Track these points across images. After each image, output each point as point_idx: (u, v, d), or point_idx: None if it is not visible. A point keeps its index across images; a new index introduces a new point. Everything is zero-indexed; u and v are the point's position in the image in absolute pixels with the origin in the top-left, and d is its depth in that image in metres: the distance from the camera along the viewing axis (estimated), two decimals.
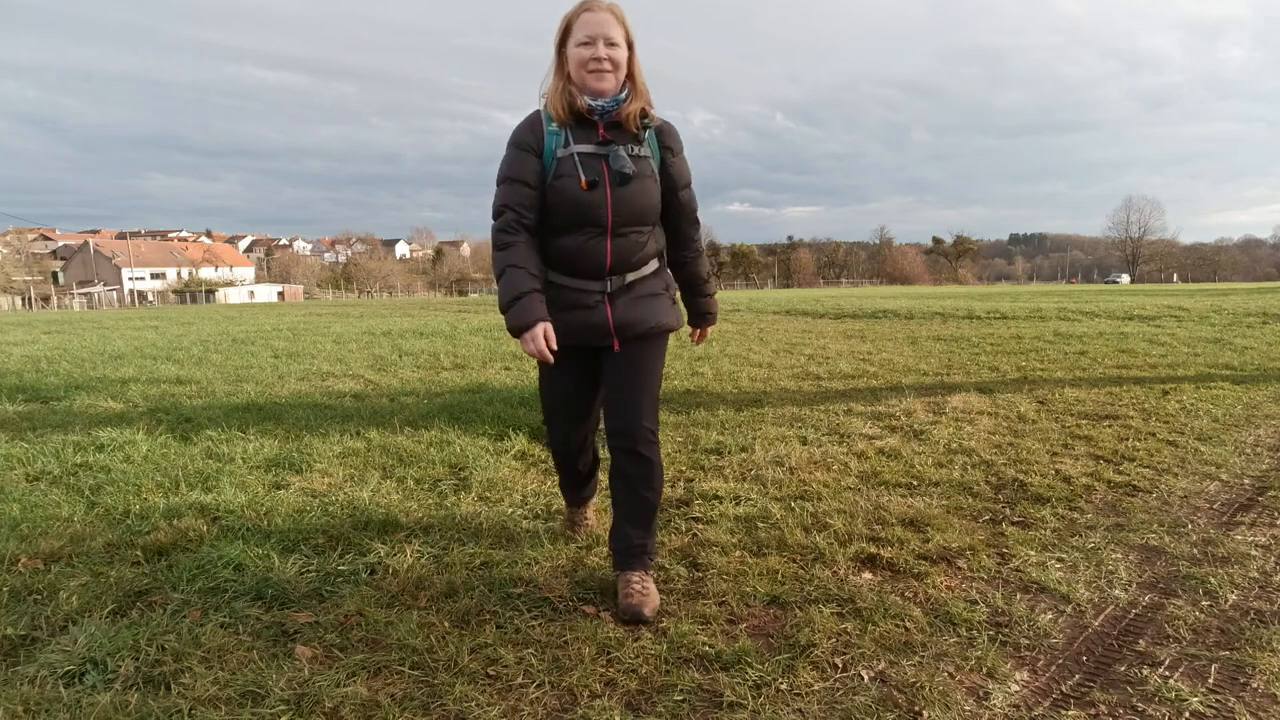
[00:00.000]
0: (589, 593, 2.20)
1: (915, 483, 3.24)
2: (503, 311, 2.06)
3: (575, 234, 2.09)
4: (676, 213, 2.23)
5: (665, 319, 2.21)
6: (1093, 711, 1.64)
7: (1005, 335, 9.44)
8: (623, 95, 2.07)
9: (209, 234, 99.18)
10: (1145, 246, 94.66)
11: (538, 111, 2.11)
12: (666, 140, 2.18)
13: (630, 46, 2.08)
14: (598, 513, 2.76)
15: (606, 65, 2.02)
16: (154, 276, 70.18)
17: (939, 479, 3.27)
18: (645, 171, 2.10)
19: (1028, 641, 1.93)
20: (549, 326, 2.04)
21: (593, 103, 2.04)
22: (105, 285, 63.54)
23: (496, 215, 2.09)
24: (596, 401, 2.33)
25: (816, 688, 1.73)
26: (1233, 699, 1.67)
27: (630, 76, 2.10)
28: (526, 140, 2.07)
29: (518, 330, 2.02)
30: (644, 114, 2.11)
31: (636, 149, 2.10)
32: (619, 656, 1.85)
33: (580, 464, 2.47)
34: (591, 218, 2.06)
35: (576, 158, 2.04)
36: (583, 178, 2.02)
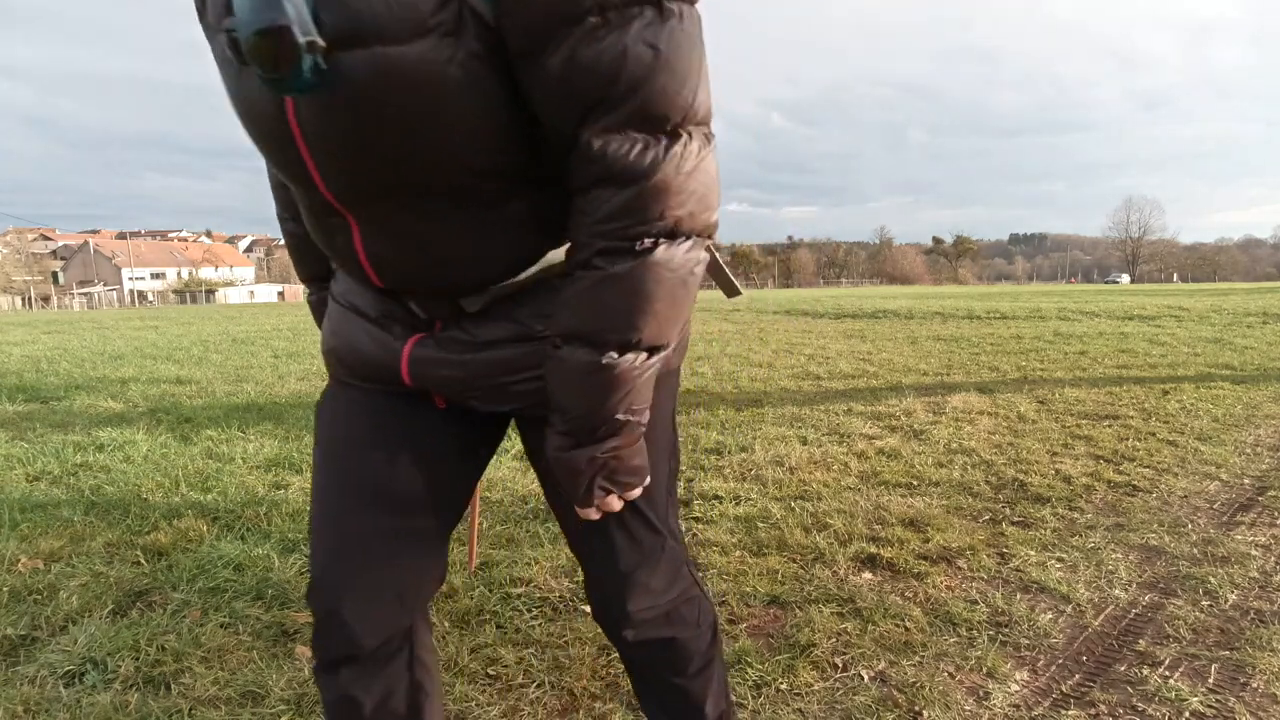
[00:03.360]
0: None
1: (915, 483, 3.24)
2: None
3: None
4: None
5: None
6: (1093, 711, 1.64)
7: (1005, 335, 9.44)
8: None
9: (209, 234, 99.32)
10: (1145, 246, 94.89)
11: None
12: None
13: None
14: None
15: None
16: (154, 276, 70.24)
17: (939, 479, 3.27)
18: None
19: (1028, 641, 1.93)
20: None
21: None
22: (105, 285, 63.55)
23: None
24: (434, 533, 1.00)
25: (816, 688, 1.73)
26: (1233, 699, 1.67)
27: None
28: None
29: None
30: None
31: None
32: (619, 657, 1.85)
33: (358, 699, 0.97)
34: (283, 172, 0.84)
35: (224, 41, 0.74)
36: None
